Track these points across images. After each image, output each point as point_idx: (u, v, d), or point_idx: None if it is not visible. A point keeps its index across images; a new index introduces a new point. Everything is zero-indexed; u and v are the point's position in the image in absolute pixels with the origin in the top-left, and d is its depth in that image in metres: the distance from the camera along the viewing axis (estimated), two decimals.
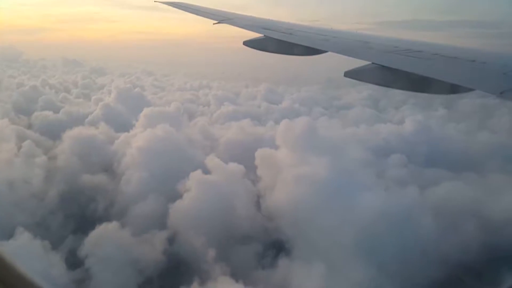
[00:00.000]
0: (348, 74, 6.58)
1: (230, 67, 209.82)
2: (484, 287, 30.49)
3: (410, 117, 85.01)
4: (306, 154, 34.82)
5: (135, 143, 45.95)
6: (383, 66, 6.32)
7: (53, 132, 58.16)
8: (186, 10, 12.82)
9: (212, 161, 39.12)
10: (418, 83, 6.15)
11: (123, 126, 57.74)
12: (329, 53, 7.70)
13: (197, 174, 37.71)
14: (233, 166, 39.03)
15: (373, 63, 6.49)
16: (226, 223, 34.28)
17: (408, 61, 6.62)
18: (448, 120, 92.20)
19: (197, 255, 30.74)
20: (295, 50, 8.38)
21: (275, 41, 8.64)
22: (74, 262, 30.89)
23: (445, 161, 60.36)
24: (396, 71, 6.17)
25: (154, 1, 14.79)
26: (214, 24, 10.77)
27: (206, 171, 38.77)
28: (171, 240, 33.41)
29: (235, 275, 28.60)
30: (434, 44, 8.29)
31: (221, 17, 11.34)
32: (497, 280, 25.23)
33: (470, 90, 5.56)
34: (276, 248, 33.73)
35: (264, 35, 8.90)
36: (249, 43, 8.88)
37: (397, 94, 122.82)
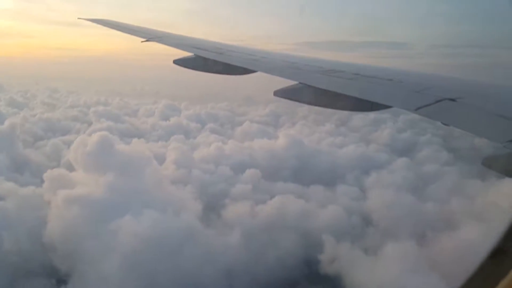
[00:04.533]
0: (277, 93, 6.81)
1: (151, 84, 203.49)
2: None
3: (288, 132, 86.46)
4: (93, 174, 31.73)
5: None
6: (309, 85, 6.63)
7: None
8: (112, 28, 12.49)
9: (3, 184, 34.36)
10: (342, 102, 6.40)
11: None
12: (258, 72, 7.91)
13: None
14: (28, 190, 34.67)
15: (300, 82, 6.71)
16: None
17: (332, 81, 7.00)
18: (330, 135, 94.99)
19: None
20: (226, 70, 8.53)
21: (205, 60, 8.77)
22: None
23: (299, 175, 61.11)
24: (322, 91, 6.50)
25: (78, 18, 14.22)
26: (142, 42, 10.62)
27: None
28: None
29: None
30: (354, 64, 8.70)
31: (150, 35, 11.15)
32: None
33: (389, 107, 5.89)
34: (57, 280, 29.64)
35: (195, 54, 8.94)
36: (179, 62, 8.93)
37: (304, 110, 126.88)
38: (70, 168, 35.74)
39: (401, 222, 38.59)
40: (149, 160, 36.37)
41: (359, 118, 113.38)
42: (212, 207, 42.50)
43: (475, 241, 30.36)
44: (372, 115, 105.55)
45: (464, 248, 30.00)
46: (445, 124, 5.36)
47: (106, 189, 29.82)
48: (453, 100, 5.32)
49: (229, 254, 33.08)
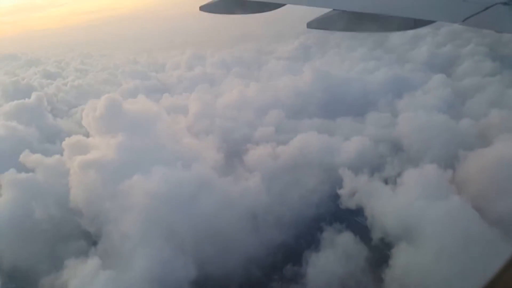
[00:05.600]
0: (311, 24, 6.57)
1: (179, 35, 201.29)
2: None
3: (315, 64, 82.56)
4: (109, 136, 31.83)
5: None
6: (344, 11, 6.24)
7: None
8: None
9: (29, 157, 35.82)
10: (380, 23, 6.07)
11: None
12: (287, 6, 7.57)
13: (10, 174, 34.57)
14: (53, 159, 35.93)
15: (334, 9, 6.35)
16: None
17: (368, 2, 6.54)
18: (362, 60, 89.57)
19: None
20: (253, 8, 8.12)
21: (232, 2, 8.42)
22: None
23: (326, 109, 58.59)
24: (358, 14, 6.10)
25: None
26: None
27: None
28: None
29: None
30: None
31: None
32: None
33: (433, 22, 5.53)
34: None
35: None
36: (205, 8, 8.57)
37: (336, 38, 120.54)
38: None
39: (431, 144, 36.13)
40: (160, 115, 36.01)
41: (396, 37, 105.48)
42: (234, 154, 42.09)
43: (507, 156, 27.77)
44: (410, 32, 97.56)
45: (494, 165, 27.63)
46: (498, 32, 4.88)
47: (117, 150, 30.01)
48: (506, 3, 4.75)
49: (250, 198, 32.81)
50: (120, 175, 27.58)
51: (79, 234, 29.94)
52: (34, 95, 54.69)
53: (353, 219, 28.97)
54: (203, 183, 28.44)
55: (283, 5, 7.73)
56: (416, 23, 5.69)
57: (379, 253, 24.39)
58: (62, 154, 36.90)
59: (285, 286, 25.50)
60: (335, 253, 25.92)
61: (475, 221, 21.84)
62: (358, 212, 28.14)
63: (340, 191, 30.47)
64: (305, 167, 37.90)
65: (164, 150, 31.21)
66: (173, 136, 34.80)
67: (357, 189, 29.34)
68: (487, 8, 4.73)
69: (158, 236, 24.81)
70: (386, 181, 29.51)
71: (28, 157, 36.23)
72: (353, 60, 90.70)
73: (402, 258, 21.78)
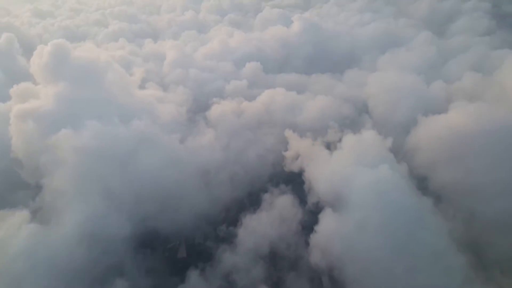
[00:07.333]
0: None
1: None
2: None
3: (305, 16, 78.60)
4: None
5: None
6: None
7: None
8: None
9: None
10: None
11: None
12: None
13: None
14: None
15: None
16: None
17: None
18: (359, 12, 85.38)
19: None
20: None
21: None
22: None
23: (308, 64, 56.79)
24: None
25: None
26: None
27: None
28: None
29: None
30: None
31: None
32: None
33: None
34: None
35: None
36: None
37: None
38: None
39: (396, 106, 34.99)
40: (111, 64, 34.47)
41: None
42: (199, 109, 41.27)
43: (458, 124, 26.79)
44: None
45: (444, 132, 26.75)
46: None
47: (56, 100, 29.09)
48: None
49: (204, 155, 32.45)
50: (56, 127, 26.81)
51: (22, 186, 29.83)
52: (4, 36, 52.72)
53: (296, 182, 28.70)
54: (144, 139, 27.83)
55: None
56: None
57: (312, 217, 24.34)
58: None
59: (216, 246, 25.79)
60: (271, 215, 25.97)
61: (406, 191, 21.39)
62: (300, 175, 27.77)
63: (285, 153, 29.90)
64: (266, 124, 37.21)
65: (107, 103, 30.18)
66: (124, 88, 33.55)
67: (300, 152, 28.77)
68: None
69: (93, 192, 24.72)
70: (328, 146, 28.87)
71: None
72: (350, 12, 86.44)
73: (325, 225, 21.71)
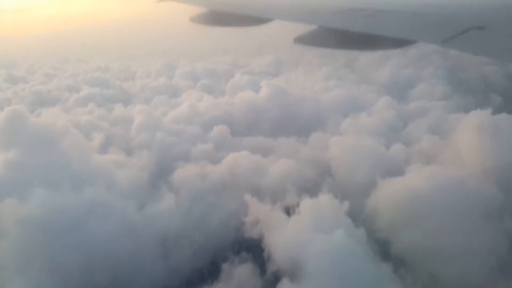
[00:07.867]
0: (297, 40, 6.76)
1: (163, 45, 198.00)
2: None
3: (272, 82, 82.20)
4: None
5: None
6: (330, 28, 6.46)
7: None
8: None
9: None
10: (364, 42, 6.23)
11: None
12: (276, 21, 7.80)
13: None
14: None
15: (320, 26, 6.48)
16: None
17: (353, 21, 6.64)
18: (325, 79, 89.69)
19: None
20: (241, 21, 8.26)
21: (221, 14, 8.52)
22: None
23: (275, 127, 57.78)
24: (344, 32, 6.23)
25: None
26: (156, 2, 10.55)
27: None
28: None
29: None
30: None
31: None
32: None
33: (414, 42, 5.87)
34: None
35: (210, 9, 8.70)
36: (195, 19, 8.86)
37: (313, 55, 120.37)
38: None
39: (357, 169, 35.34)
40: (68, 130, 34.17)
41: (368, 57, 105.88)
42: (161, 173, 40.55)
43: (416, 187, 27.09)
44: (381, 52, 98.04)
45: (403, 195, 26.91)
46: (474, 55, 5.09)
47: (3, 167, 28.12)
48: (481, 28, 5.05)
49: (162, 223, 31.32)
50: (0, 197, 25.55)
51: None
52: None
53: (256, 249, 27.68)
54: (96, 206, 26.69)
55: (270, 20, 7.85)
56: (397, 43, 5.82)
57: None
58: None
59: None
60: (229, 287, 24.53)
61: (361, 258, 20.78)
62: (260, 242, 26.86)
63: (246, 219, 29.18)
64: (229, 189, 36.64)
65: (59, 170, 29.31)
66: (80, 154, 32.90)
67: (260, 217, 28.12)
68: (464, 32, 4.97)
69: (36, 267, 22.95)
70: (287, 210, 28.42)
71: None
72: (316, 78, 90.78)
73: None
